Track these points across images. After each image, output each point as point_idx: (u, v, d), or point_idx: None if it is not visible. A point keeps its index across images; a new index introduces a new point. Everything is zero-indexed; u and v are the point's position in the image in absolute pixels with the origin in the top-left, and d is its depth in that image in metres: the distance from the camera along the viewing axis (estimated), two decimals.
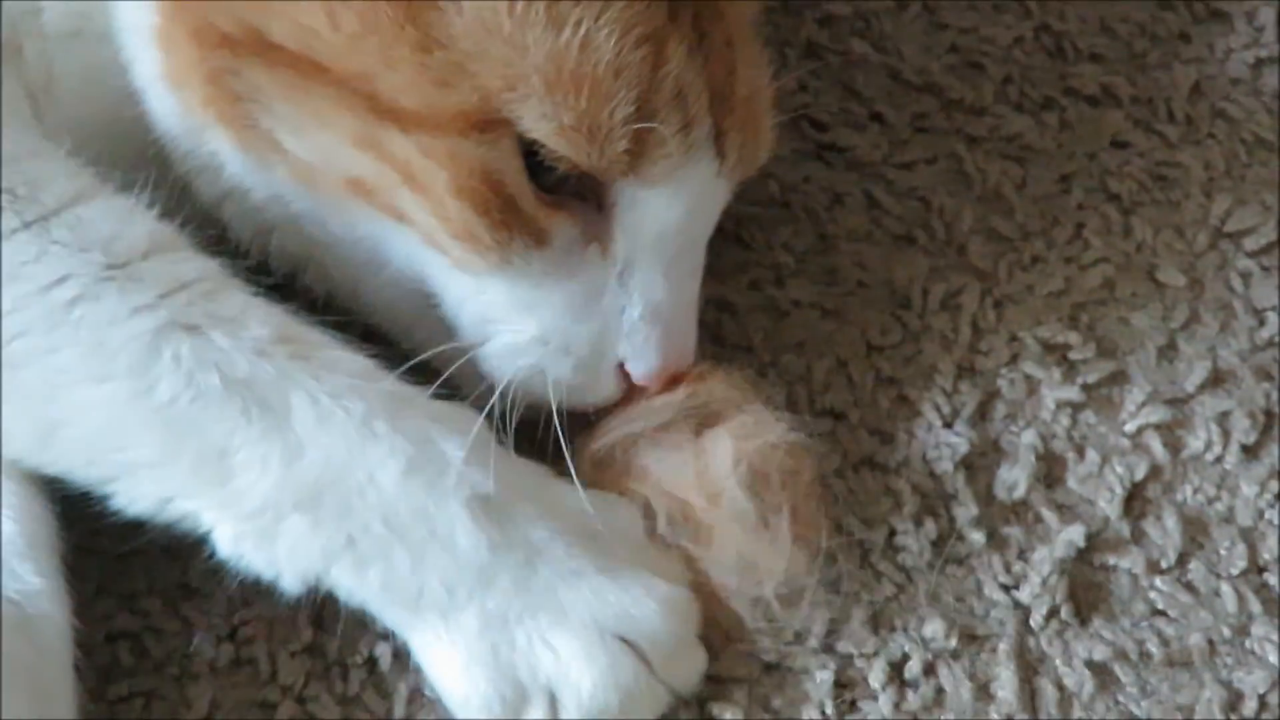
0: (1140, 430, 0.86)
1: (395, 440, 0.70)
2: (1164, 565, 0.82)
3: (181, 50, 0.74)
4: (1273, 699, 0.77)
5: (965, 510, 0.82)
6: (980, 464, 0.84)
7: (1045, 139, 1.00)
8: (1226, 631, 0.80)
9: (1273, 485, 0.84)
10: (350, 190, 0.74)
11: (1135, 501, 0.84)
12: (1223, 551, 0.83)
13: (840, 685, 0.76)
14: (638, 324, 0.76)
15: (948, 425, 0.86)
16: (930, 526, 0.81)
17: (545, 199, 0.73)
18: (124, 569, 0.77)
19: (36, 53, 0.80)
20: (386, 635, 0.75)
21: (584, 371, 0.76)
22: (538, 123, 0.70)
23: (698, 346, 0.79)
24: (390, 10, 0.69)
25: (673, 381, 0.78)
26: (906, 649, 0.78)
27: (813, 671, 0.76)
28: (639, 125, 0.70)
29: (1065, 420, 0.86)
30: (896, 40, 1.05)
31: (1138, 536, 0.83)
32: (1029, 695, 0.77)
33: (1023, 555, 0.81)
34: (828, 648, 0.77)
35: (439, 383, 0.74)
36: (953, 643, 0.78)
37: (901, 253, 0.93)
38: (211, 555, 0.72)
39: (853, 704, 0.76)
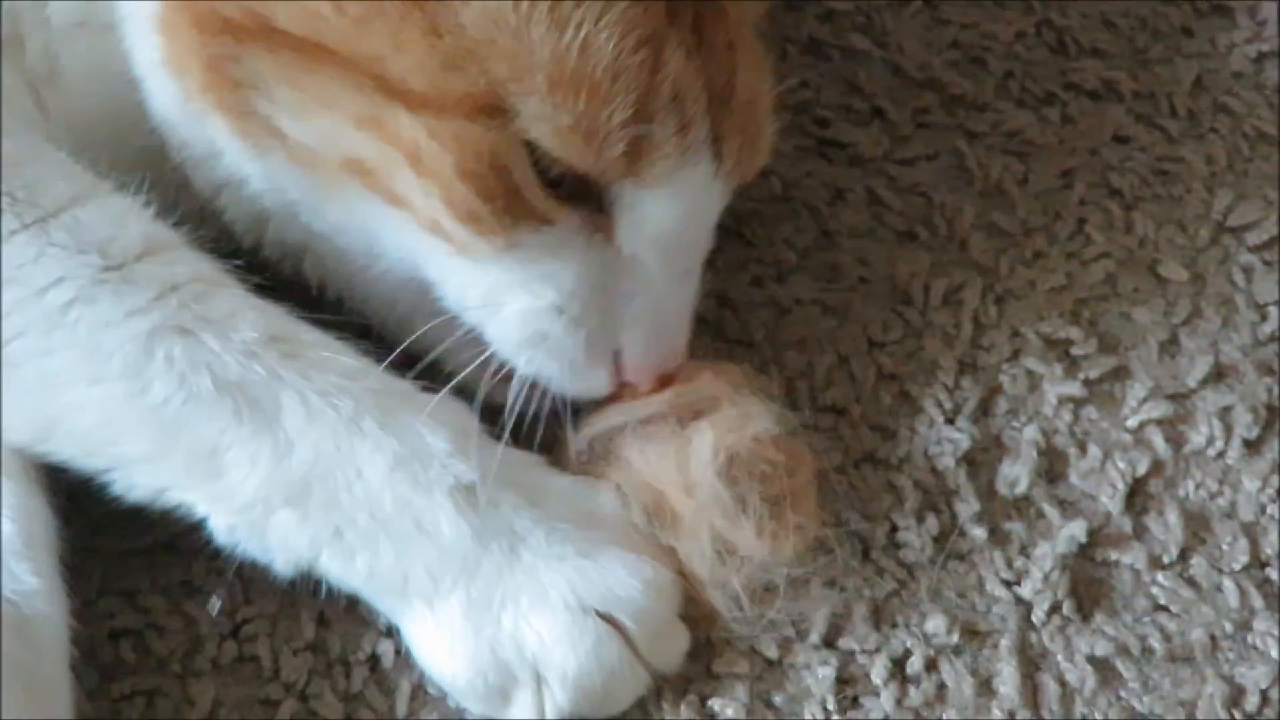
0: (1142, 425, 0.86)
1: (382, 436, 0.72)
2: (1166, 560, 0.82)
3: (182, 37, 0.74)
4: (1275, 694, 0.77)
5: (967, 506, 0.82)
6: (982, 459, 0.84)
7: (1047, 134, 1.00)
8: (1228, 626, 0.80)
9: (1274, 480, 0.84)
10: (350, 171, 0.74)
11: (1137, 497, 0.84)
12: (1225, 546, 0.83)
13: (842, 681, 0.76)
14: (637, 317, 0.76)
15: (949, 421, 0.86)
16: (932, 522, 0.81)
17: (549, 191, 0.73)
18: (126, 567, 0.77)
19: (40, 44, 0.80)
20: (389, 633, 0.76)
21: (590, 351, 0.76)
22: (535, 123, 0.70)
23: (697, 343, 0.80)
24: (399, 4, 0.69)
25: (663, 382, 0.78)
26: (908, 645, 0.77)
27: (814, 667, 0.76)
28: (636, 128, 0.70)
29: (1067, 415, 0.86)
30: (898, 36, 1.04)
31: (1139, 532, 0.83)
32: (1031, 691, 0.77)
33: (1024, 551, 0.81)
34: (829, 644, 0.77)
35: (444, 378, 0.74)
36: (955, 638, 0.78)
37: (903, 248, 0.93)
38: (214, 554, 0.73)
39: (854, 700, 0.76)
